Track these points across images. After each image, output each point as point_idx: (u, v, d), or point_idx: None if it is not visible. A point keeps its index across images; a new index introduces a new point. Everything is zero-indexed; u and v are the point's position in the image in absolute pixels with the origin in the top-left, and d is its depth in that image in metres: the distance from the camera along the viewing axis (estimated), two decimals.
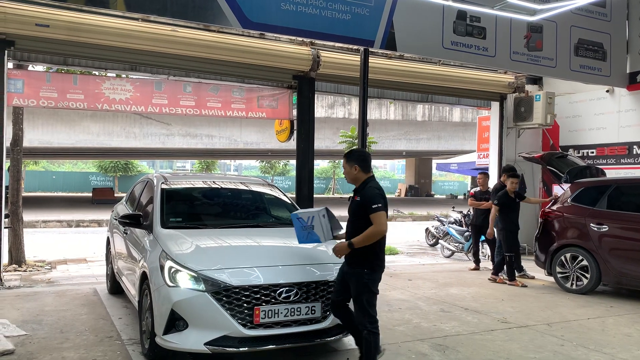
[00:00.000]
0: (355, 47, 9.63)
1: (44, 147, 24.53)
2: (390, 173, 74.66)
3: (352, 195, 4.39)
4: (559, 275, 8.01)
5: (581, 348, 5.19)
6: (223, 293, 4.19)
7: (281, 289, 4.30)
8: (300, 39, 9.43)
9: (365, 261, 4.16)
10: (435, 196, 48.09)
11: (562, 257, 7.96)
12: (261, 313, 4.21)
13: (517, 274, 9.01)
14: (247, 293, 4.23)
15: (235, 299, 4.20)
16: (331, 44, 9.73)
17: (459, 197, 46.92)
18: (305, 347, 4.40)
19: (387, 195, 4.37)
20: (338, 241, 4.37)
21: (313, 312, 4.37)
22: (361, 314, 4.17)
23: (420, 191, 46.62)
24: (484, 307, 6.77)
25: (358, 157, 4.38)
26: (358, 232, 4.14)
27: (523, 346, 5.21)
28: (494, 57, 9.44)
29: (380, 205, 4.09)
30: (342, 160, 4.47)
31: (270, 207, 6.00)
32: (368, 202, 4.12)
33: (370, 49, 8.74)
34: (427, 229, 15.32)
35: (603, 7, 10.53)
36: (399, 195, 47.43)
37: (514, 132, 12.23)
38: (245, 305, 4.20)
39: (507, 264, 8.50)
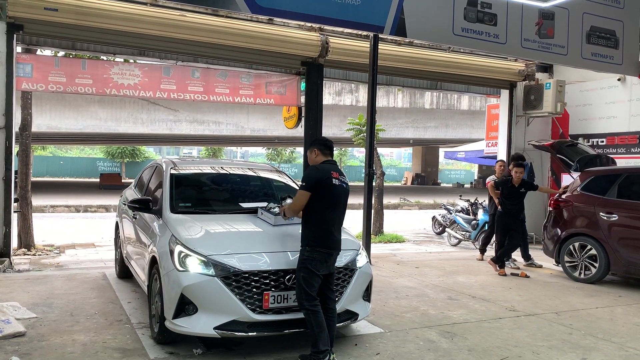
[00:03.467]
0: (365, 33, 9.59)
1: (52, 132, 24.60)
2: (396, 161, 74.54)
3: None
4: (567, 264, 7.98)
5: (589, 337, 5.17)
6: (232, 278, 4.20)
7: (290, 275, 4.30)
8: (309, 24, 9.38)
9: (305, 239, 4.26)
10: (441, 185, 47.97)
11: (571, 246, 7.93)
12: (270, 298, 4.23)
13: (524, 263, 9.03)
14: (257, 278, 4.24)
15: (245, 284, 4.21)
16: (340, 30, 9.67)
17: (465, 185, 46.79)
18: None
19: (394, 184, 4.41)
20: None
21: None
22: (298, 292, 4.19)
23: (426, 179, 46.50)
24: (492, 295, 6.76)
25: (317, 141, 4.55)
26: (307, 209, 4.31)
27: (531, 334, 5.20)
28: (504, 45, 9.32)
29: (305, 185, 4.28)
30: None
31: (278, 193, 5.98)
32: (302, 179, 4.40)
33: (380, 35, 8.67)
34: (433, 217, 15.29)
35: None
36: (405, 184, 47.34)
37: (523, 121, 12.15)
38: (254, 290, 4.21)
39: (496, 251, 8.52)
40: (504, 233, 8.34)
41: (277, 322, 4.28)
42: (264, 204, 5.18)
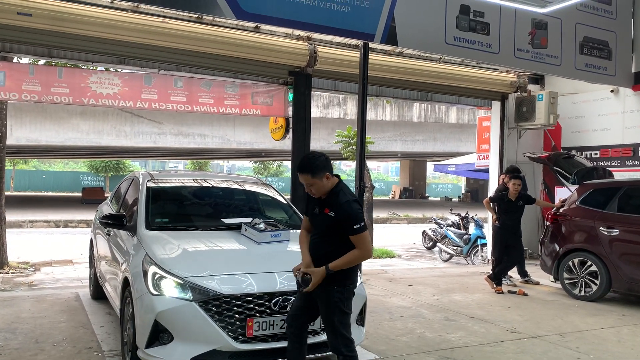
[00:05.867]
0: (354, 42, 9.30)
1: (31, 145, 23.96)
2: (383, 175, 74.44)
3: (316, 205, 3.62)
4: (566, 282, 7.65)
5: None
6: (212, 302, 3.79)
7: (277, 298, 3.89)
8: (297, 33, 9.07)
9: (335, 278, 3.48)
10: (429, 198, 47.80)
11: (570, 262, 7.61)
12: (254, 325, 3.81)
13: (520, 279, 8.69)
14: (239, 303, 3.82)
15: (226, 309, 3.79)
16: (328, 39, 9.37)
17: (453, 199, 46.67)
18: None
19: (381, 198, 3.97)
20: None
21: (312, 323, 3.96)
22: (334, 337, 3.53)
23: (414, 193, 46.33)
24: (491, 316, 6.39)
25: (325, 164, 3.53)
26: (329, 250, 3.50)
27: (536, 359, 4.83)
28: (497, 54, 9.07)
29: (363, 224, 3.45)
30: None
31: (265, 207, 5.60)
32: (348, 220, 3.43)
33: (370, 45, 8.38)
34: (424, 232, 15.00)
35: (609, 5, 10.20)
36: (393, 197, 47.14)
37: (515, 133, 11.89)
38: (237, 316, 3.80)
39: (493, 268, 8.17)
40: (502, 249, 8.02)
41: (262, 351, 3.85)
42: (249, 220, 4.78)
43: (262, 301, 3.87)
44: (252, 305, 3.84)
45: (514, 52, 9.21)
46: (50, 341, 4.95)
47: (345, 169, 72.63)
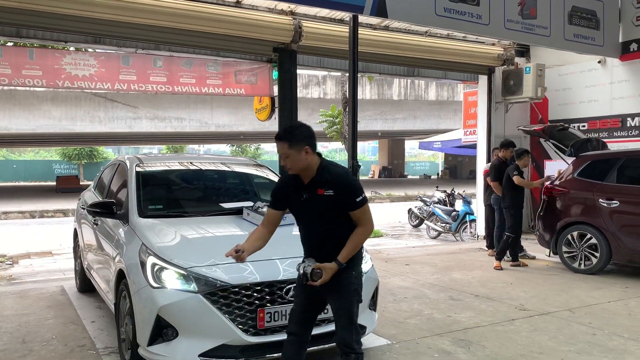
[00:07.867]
0: (340, 15, 8.98)
1: (0, 133, 23.08)
2: (360, 155, 74.28)
3: (302, 191, 3.07)
4: (565, 255, 7.55)
5: (615, 337, 4.68)
6: (219, 294, 3.50)
7: (289, 286, 3.61)
8: (280, 7, 8.69)
9: (353, 261, 3.08)
10: (408, 177, 47.90)
11: (569, 236, 7.49)
12: (266, 316, 3.54)
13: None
14: (249, 293, 3.54)
15: (235, 300, 3.51)
16: (313, 13, 9.01)
17: (432, 177, 46.86)
18: (317, 352, 3.76)
19: (361, 177, 3.64)
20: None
21: (326, 311, 3.71)
22: (348, 332, 3.05)
23: (393, 172, 46.35)
24: (495, 293, 6.24)
25: (307, 135, 3.00)
26: (331, 236, 3.05)
27: (553, 337, 4.68)
28: (487, 26, 8.84)
29: (364, 195, 3.04)
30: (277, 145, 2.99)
31: (261, 189, 5.30)
32: (349, 193, 2.98)
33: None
34: (410, 210, 14.85)
35: None
36: (372, 177, 47.10)
37: (502, 107, 11.74)
38: (246, 307, 3.52)
39: (509, 245, 7.97)
40: (519, 222, 7.87)
41: (276, 343, 3.55)
42: (250, 204, 4.48)
43: (273, 290, 3.60)
44: (262, 295, 3.57)
45: (504, 23, 8.98)
46: (38, 340, 4.60)
47: (322, 150, 72.33)
